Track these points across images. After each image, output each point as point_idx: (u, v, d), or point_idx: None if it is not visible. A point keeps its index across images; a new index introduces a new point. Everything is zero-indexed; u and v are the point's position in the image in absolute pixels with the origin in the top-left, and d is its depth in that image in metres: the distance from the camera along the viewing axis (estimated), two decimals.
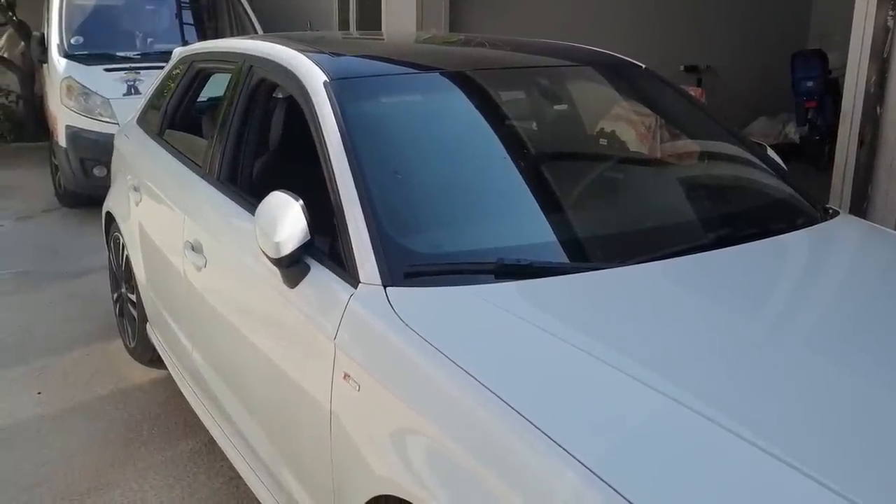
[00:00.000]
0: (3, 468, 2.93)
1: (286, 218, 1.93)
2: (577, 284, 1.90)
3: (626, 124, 2.89)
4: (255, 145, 2.71)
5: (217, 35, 7.08)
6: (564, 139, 2.94)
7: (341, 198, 2.01)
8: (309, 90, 2.30)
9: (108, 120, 6.03)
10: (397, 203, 2.09)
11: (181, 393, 3.05)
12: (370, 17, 7.47)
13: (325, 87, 2.27)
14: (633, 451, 1.34)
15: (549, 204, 2.32)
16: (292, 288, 2.03)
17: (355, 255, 1.91)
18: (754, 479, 1.26)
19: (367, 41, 3.74)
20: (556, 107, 3.01)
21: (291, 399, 2.04)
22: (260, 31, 6.89)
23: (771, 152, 2.77)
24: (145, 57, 6.51)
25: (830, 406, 1.48)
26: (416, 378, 1.62)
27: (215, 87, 3.29)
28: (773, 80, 7.57)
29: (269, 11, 7.69)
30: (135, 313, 3.56)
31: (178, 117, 3.45)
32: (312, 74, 2.34)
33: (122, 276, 3.71)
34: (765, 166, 2.62)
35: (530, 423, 1.38)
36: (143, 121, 3.75)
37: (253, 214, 2.06)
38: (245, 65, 2.79)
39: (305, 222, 1.94)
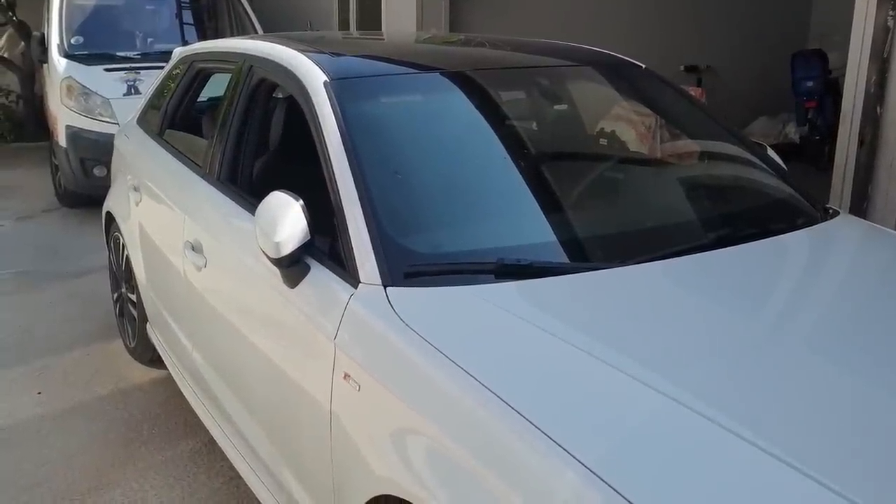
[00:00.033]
0: (3, 468, 2.93)
1: (286, 218, 1.93)
2: (577, 284, 1.90)
3: (627, 124, 2.89)
4: (256, 145, 2.71)
5: (217, 35, 7.08)
6: (564, 139, 2.94)
7: (341, 198, 2.01)
8: (309, 90, 2.30)
9: (108, 120, 6.03)
10: (397, 203, 2.09)
11: (181, 393, 3.05)
12: (370, 17, 7.47)
13: (325, 87, 2.27)
14: (633, 451, 1.34)
15: (550, 204, 2.32)
16: (292, 288, 2.03)
17: (355, 255, 1.91)
18: (754, 479, 1.26)
19: (368, 41, 3.74)
20: (557, 107, 3.01)
21: (291, 399, 2.04)
22: (260, 31, 6.89)
23: (771, 152, 2.77)
24: (145, 57, 6.51)
25: (830, 406, 1.48)
26: (416, 378, 1.62)
27: (215, 87, 3.29)
28: (773, 80, 7.57)
29: (269, 11, 7.69)
30: (135, 313, 3.56)
31: (179, 117, 3.45)
32: (312, 74, 2.34)
33: (123, 275, 3.71)
34: (765, 166, 2.62)
35: (530, 423, 1.38)
36: (143, 121, 3.75)
37: (253, 214, 2.06)
38: (245, 65, 2.79)
39: (305, 222, 1.94)
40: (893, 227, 3.20)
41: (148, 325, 3.43)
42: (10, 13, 8.57)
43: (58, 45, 6.45)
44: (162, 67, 3.89)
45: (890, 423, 1.43)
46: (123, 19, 7.00)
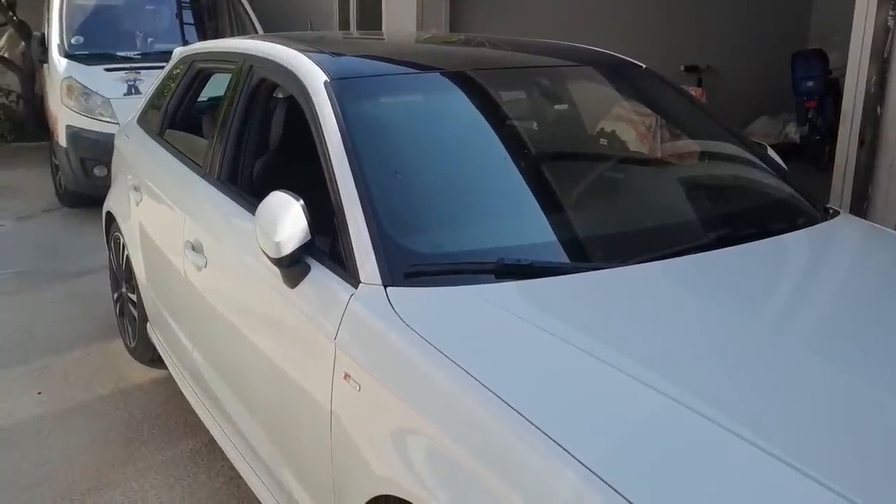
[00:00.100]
0: (4, 468, 2.93)
1: (286, 218, 1.93)
2: (577, 284, 1.90)
3: (627, 124, 2.89)
4: (256, 145, 2.71)
5: (217, 35, 7.08)
6: (565, 139, 2.94)
7: (342, 198, 2.01)
8: (309, 90, 2.30)
9: (108, 120, 6.04)
10: (397, 203, 2.09)
11: (181, 393, 3.05)
12: (370, 17, 7.47)
13: (325, 86, 2.27)
14: (633, 451, 1.34)
15: (550, 204, 2.32)
16: (293, 288, 2.03)
17: (356, 254, 1.91)
18: (754, 479, 1.27)
19: (368, 41, 3.74)
20: (557, 107, 3.01)
21: (292, 399, 2.04)
22: (260, 31, 6.89)
23: (771, 152, 2.77)
24: (146, 57, 6.52)
25: (830, 406, 1.48)
26: (416, 378, 1.62)
27: (215, 86, 3.29)
28: (773, 79, 7.57)
29: (270, 11, 7.69)
30: (135, 313, 3.56)
31: (179, 117, 3.45)
32: (313, 74, 2.34)
33: (123, 275, 3.71)
34: (765, 166, 2.62)
35: (530, 423, 1.38)
36: (143, 121, 3.76)
37: (253, 214, 2.06)
38: (245, 65, 2.79)
39: (306, 222, 1.94)
40: (893, 227, 3.19)
41: (148, 325, 3.43)
42: (11, 13, 8.57)
43: (58, 45, 6.45)
44: (162, 67, 3.89)
45: (890, 423, 1.43)
46: (124, 19, 7.00)
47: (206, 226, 2.67)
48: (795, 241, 2.25)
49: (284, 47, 2.62)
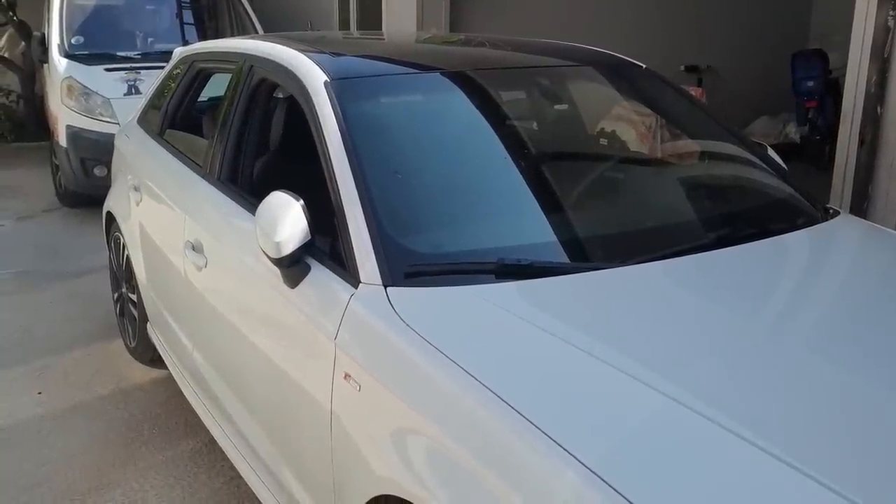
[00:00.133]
0: (4, 468, 2.93)
1: (287, 218, 1.93)
2: (577, 284, 1.90)
3: (627, 124, 2.89)
4: (256, 145, 2.71)
5: (217, 35, 7.08)
6: (565, 139, 2.94)
7: (342, 198, 2.01)
8: (309, 90, 2.30)
9: (108, 120, 6.04)
10: (398, 203, 2.09)
11: (182, 393, 3.05)
12: (370, 17, 7.47)
13: (325, 86, 2.27)
14: (633, 451, 1.34)
15: (550, 204, 2.32)
16: (293, 288, 2.03)
17: (356, 254, 1.91)
18: (754, 479, 1.27)
19: (368, 41, 3.74)
20: (557, 107, 3.01)
21: (292, 399, 2.04)
22: (260, 31, 6.89)
23: (771, 152, 2.77)
24: (146, 57, 6.52)
25: (831, 406, 1.49)
26: (416, 378, 1.62)
27: (216, 87, 3.29)
28: (773, 79, 7.57)
29: (270, 11, 7.70)
30: (135, 313, 3.56)
31: (179, 117, 3.45)
32: (313, 74, 2.34)
33: (123, 275, 3.71)
34: (765, 166, 2.62)
35: (530, 423, 1.38)
36: (143, 121, 3.76)
37: (253, 214, 2.06)
38: (245, 65, 2.79)
39: (306, 222, 1.95)
40: (893, 227, 3.19)
41: (148, 325, 3.43)
42: (11, 13, 8.57)
43: (58, 45, 6.45)
44: (162, 67, 3.89)
45: (890, 422, 1.43)
46: (124, 19, 7.00)
47: (207, 226, 2.67)
48: (795, 241, 2.25)
49: (284, 47, 2.62)
